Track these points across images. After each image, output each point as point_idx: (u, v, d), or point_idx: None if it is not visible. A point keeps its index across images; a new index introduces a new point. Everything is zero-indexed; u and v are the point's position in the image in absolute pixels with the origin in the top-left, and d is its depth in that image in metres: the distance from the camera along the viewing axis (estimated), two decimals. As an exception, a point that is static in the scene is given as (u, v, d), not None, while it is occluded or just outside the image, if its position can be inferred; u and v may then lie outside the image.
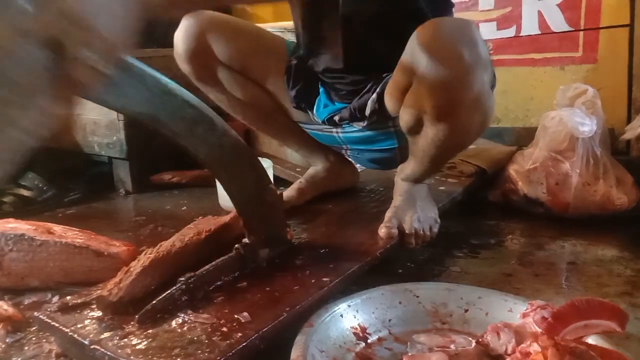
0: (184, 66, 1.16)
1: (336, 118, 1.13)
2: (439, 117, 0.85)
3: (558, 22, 1.68)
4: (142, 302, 0.71)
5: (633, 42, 1.55)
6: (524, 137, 1.64)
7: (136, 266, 0.75)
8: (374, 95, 1.04)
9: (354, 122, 1.12)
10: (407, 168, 1.07)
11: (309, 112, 1.20)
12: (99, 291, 0.74)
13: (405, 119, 0.93)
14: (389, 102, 0.95)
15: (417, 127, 0.92)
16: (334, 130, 1.19)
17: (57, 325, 0.68)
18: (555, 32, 1.69)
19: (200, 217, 1.00)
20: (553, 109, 1.42)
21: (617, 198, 1.32)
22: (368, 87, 1.07)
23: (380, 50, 1.06)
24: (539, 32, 1.72)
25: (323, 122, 1.18)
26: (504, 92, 1.78)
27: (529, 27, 1.74)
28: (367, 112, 1.06)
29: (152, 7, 0.56)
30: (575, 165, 1.34)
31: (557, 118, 1.37)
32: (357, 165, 1.41)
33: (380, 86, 1.04)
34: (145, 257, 0.77)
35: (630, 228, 1.29)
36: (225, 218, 0.94)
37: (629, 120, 1.54)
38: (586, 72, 1.64)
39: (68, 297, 0.74)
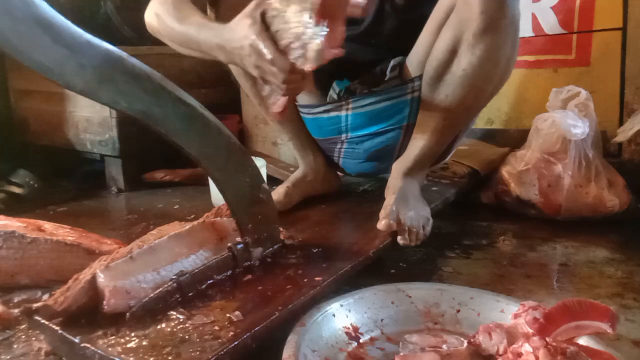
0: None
1: (356, 82, 1.17)
2: (483, 28, 0.93)
3: (552, 25, 1.69)
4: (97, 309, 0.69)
5: (626, 45, 1.56)
6: (517, 138, 1.65)
7: (86, 274, 0.72)
8: (398, 57, 1.12)
9: (373, 87, 1.14)
10: (411, 152, 1.10)
11: (326, 91, 1.22)
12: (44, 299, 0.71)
13: (439, 49, 1.01)
14: (425, 38, 1.06)
15: (448, 59, 1.00)
16: (343, 107, 1.17)
17: (47, 323, 0.67)
18: (549, 35, 1.70)
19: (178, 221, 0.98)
20: (546, 111, 1.43)
21: (609, 200, 1.33)
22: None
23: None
24: (533, 35, 1.72)
25: (340, 92, 1.18)
26: (497, 94, 1.78)
27: (523, 29, 1.73)
28: (388, 69, 1.11)
29: None
30: (567, 167, 1.34)
31: (550, 120, 1.38)
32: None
33: (400, 57, 1.13)
34: (99, 264, 0.74)
35: (622, 230, 1.30)
36: (191, 224, 0.91)
37: (621, 122, 1.55)
38: (579, 74, 1.65)
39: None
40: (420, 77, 1.08)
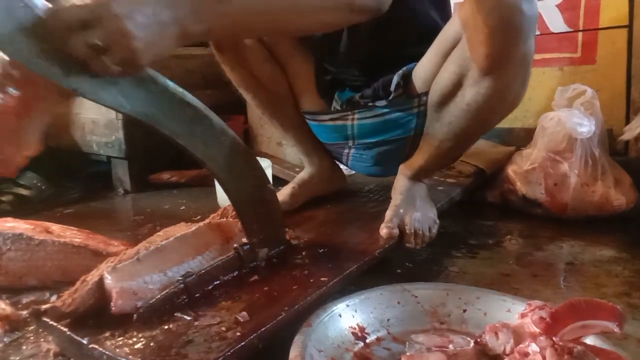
0: None
1: (357, 96, 1.16)
2: (489, 68, 0.89)
3: (557, 23, 1.68)
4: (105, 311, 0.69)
5: (632, 43, 1.55)
6: (523, 137, 1.64)
7: (93, 275, 0.73)
8: (400, 72, 1.09)
9: (376, 101, 1.12)
10: (416, 161, 1.10)
11: (329, 98, 1.21)
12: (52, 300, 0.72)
13: (443, 81, 0.98)
14: (430, 60, 1.03)
15: (452, 91, 0.97)
16: (349, 117, 1.15)
17: (55, 324, 0.68)
18: (554, 33, 1.69)
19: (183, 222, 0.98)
20: (552, 109, 1.42)
21: (615, 199, 1.32)
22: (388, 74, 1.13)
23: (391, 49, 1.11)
24: (538, 33, 1.71)
25: (342, 104, 1.18)
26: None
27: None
28: (392, 87, 1.09)
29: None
30: (573, 165, 1.34)
31: (556, 119, 1.38)
32: (346, 170, 1.40)
33: (404, 68, 1.09)
34: (106, 266, 0.74)
35: (628, 229, 1.30)
36: (197, 225, 0.91)
37: (627, 121, 1.55)
38: (585, 73, 1.64)
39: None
40: (426, 93, 1.05)
